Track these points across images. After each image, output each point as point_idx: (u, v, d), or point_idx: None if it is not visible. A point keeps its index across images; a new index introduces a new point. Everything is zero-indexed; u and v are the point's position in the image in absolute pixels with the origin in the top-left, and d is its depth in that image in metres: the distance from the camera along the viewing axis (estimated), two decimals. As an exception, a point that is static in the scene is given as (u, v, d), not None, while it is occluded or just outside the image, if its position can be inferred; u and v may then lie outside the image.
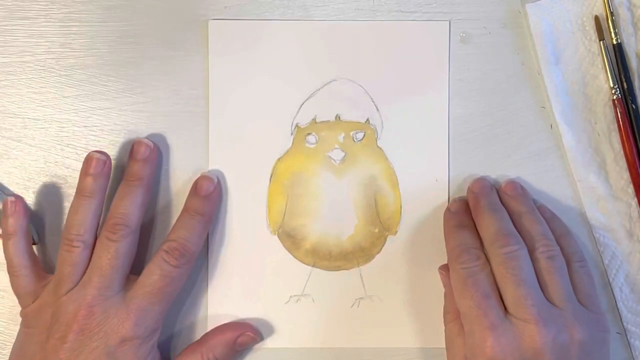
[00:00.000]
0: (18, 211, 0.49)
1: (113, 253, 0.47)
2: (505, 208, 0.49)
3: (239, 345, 0.50)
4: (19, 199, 0.49)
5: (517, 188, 0.50)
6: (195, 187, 0.50)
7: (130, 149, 0.50)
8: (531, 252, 0.46)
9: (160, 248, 0.48)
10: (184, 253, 0.48)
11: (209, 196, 0.50)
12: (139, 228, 0.48)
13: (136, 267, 0.49)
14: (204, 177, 0.50)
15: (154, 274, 0.47)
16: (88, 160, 0.49)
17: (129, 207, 0.48)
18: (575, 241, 0.49)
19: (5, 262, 0.49)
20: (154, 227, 0.51)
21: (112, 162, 0.51)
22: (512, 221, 0.48)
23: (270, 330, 0.51)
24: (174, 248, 0.47)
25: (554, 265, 0.46)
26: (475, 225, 0.49)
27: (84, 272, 0.47)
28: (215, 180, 0.50)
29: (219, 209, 0.51)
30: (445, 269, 0.49)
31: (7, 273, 0.49)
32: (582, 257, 0.49)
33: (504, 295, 0.45)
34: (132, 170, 0.49)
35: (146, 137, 0.51)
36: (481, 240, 0.48)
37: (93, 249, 0.48)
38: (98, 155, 0.49)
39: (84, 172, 0.49)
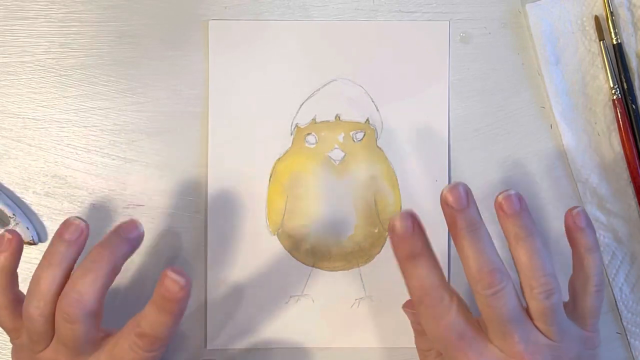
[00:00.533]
0: (13, 249, 0.45)
1: (72, 335, 0.43)
2: (501, 225, 0.44)
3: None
4: (14, 235, 0.45)
5: (515, 204, 0.44)
6: (163, 285, 0.42)
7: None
8: (525, 289, 0.42)
9: (131, 329, 0.43)
10: (154, 342, 0.43)
11: (175, 298, 0.42)
12: (100, 306, 0.43)
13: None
14: (170, 280, 0.42)
15: (127, 353, 0.43)
16: (66, 224, 0.44)
17: (87, 286, 0.43)
18: (600, 259, 0.45)
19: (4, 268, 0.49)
20: (155, 228, 0.51)
21: (113, 161, 0.51)
22: (508, 243, 0.44)
23: (270, 330, 0.51)
24: (144, 335, 0.43)
25: (550, 305, 0.42)
26: (430, 248, 0.43)
27: (53, 333, 0.44)
28: (183, 281, 0.42)
29: (218, 205, 0.51)
30: (410, 306, 0.48)
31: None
32: (601, 280, 0.45)
33: (489, 329, 0.42)
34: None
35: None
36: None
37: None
38: (78, 221, 0.44)
39: (58, 236, 0.44)
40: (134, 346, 0.43)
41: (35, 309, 0.43)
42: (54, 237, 0.44)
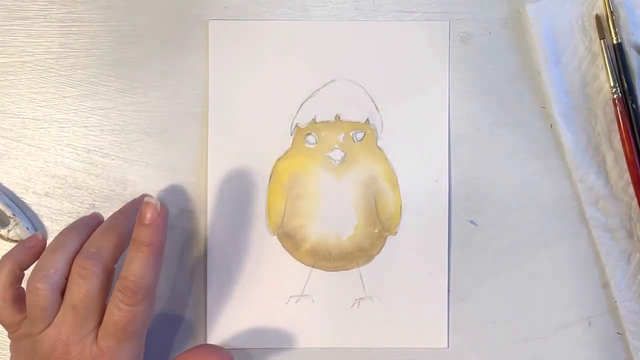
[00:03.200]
0: (34, 250, 0.47)
1: (85, 292, 0.45)
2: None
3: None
4: (43, 239, 0.48)
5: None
6: (139, 216, 0.46)
7: (139, 211, 0.46)
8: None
9: (115, 287, 0.45)
10: (137, 291, 0.44)
11: (153, 224, 0.45)
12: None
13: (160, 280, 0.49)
14: (147, 204, 0.46)
15: (113, 314, 0.45)
16: (147, 205, 0.46)
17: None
18: None
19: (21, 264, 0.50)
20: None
21: (113, 161, 0.51)
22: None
23: (270, 330, 0.51)
24: (125, 287, 0.44)
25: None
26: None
27: (57, 312, 0.45)
28: (158, 206, 0.46)
29: (217, 205, 0.51)
30: None
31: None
32: None
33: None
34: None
35: (155, 200, 0.46)
36: None
37: (61, 289, 0.45)
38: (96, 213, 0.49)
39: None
40: (119, 303, 0.45)
41: (44, 277, 0.45)
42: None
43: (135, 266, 0.45)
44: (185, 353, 0.48)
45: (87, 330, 0.45)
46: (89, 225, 0.48)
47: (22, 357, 0.46)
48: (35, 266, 0.46)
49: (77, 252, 0.46)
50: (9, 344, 0.47)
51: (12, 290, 0.47)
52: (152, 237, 0.45)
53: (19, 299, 0.47)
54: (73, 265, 0.45)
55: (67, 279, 0.45)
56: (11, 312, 0.46)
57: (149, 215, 0.45)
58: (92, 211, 0.51)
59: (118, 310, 0.45)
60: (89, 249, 0.45)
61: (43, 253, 0.46)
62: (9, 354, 0.48)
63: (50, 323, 0.45)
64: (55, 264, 0.45)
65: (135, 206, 0.48)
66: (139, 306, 0.45)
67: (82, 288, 0.44)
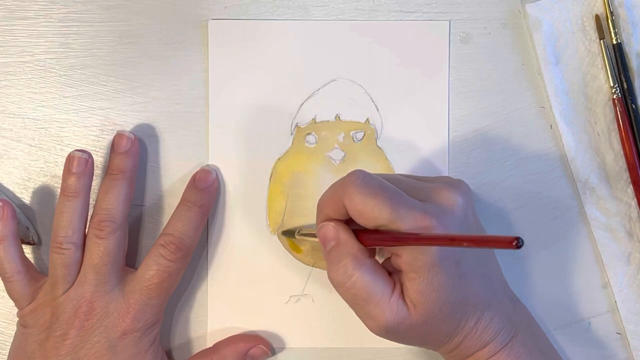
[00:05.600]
0: (6, 216, 0.48)
1: (103, 250, 0.47)
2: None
3: (249, 357, 0.50)
4: (5, 203, 0.48)
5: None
6: (194, 180, 0.50)
7: (112, 141, 0.50)
8: None
9: (157, 242, 0.48)
10: (180, 247, 0.48)
11: (207, 188, 0.50)
12: (125, 221, 0.49)
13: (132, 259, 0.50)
14: (202, 170, 0.50)
15: (150, 268, 0.47)
16: (70, 159, 0.48)
17: (112, 201, 0.48)
18: None
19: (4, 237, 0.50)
20: (155, 228, 0.51)
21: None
22: None
23: (270, 330, 0.51)
24: (169, 242, 0.48)
25: None
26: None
27: (78, 272, 0.47)
28: (214, 174, 0.50)
29: (217, 205, 0.51)
30: None
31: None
32: None
33: None
34: (113, 163, 0.49)
35: (129, 131, 0.51)
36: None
37: (83, 247, 0.48)
38: (80, 154, 0.48)
39: (67, 171, 0.48)
40: (159, 257, 0.47)
41: (64, 238, 0.47)
42: (63, 174, 0.48)
43: (184, 224, 0.48)
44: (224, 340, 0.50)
45: (110, 287, 0.47)
46: (85, 174, 0.48)
47: (35, 332, 0.47)
48: (53, 230, 0.47)
49: (85, 209, 0.48)
50: (8, 346, 0.47)
51: (20, 260, 0.48)
52: (204, 200, 0.49)
53: (30, 267, 0.49)
54: (89, 229, 0.48)
55: (84, 240, 0.48)
56: (25, 282, 0.48)
57: (203, 179, 0.50)
58: (91, 211, 0.51)
59: (156, 265, 0.47)
60: (100, 211, 0.48)
61: (55, 219, 0.48)
62: (7, 355, 0.48)
63: (73, 283, 0.47)
64: (71, 225, 0.47)
65: (129, 155, 0.49)
66: (178, 262, 0.48)
67: (101, 247, 0.47)
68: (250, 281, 0.51)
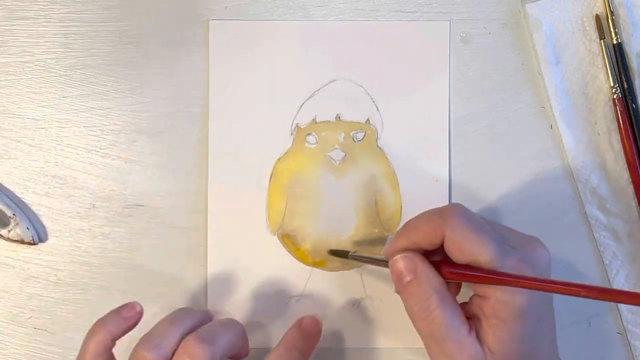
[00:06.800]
0: (130, 323, 0.45)
1: None
2: None
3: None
4: (140, 312, 0.46)
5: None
6: (302, 325, 0.49)
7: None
8: None
9: None
10: None
11: (313, 335, 0.49)
12: None
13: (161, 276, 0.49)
14: (310, 318, 0.50)
15: None
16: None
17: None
18: None
19: (6, 263, 0.50)
20: (155, 228, 0.51)
21: (113, 161, 0.51)
22: None
23: (271, 331, 0.51)
24: None
25: None
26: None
27: None
28: (319, 323, 0.50)
29: (217, 205, 0.51)
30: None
31: (8, 274, 0.50)
32: None
33: None
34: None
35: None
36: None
37: None
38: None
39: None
40: None
41: (156, 347, 0.43)
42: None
43: None
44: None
45: None
46: (207, 314, 0.48)
47: None
48: (148, 334, 0.44)
49: (191, 331, 0.44)
50: (8, 346, 0.47)
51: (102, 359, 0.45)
52: (306, 347, 0.48)
53: None
54: (183, 343, 0.43)
55: (174, 354, 0.43)
56: None
57: (312, 327, 0.49)
58: (91, 211, 0.51)
59: None
60: (204, 332, 0.44)
61: (158, 322, 0.45)
62: (10, 354, 0.48)
63: None
64: (168, 337, 0.44)
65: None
66: None
67: None
68: (251, 281, 0.51)
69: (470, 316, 0.43)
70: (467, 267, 0.42)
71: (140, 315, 0.46)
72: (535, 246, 0.43)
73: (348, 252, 0.49)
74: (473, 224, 0.41)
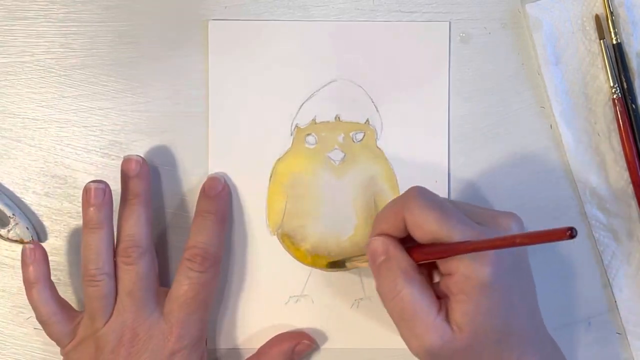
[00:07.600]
0: (38, 259, 0.48)
1: (135, 276, 0.47)
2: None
3: (296, 354, 0.50)
4: (37, 246, 0.48)
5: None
6: (204, 189, 0.50)
7: (121, 167, 0.49)
8: None
9: (183, 257, 0.48)
10: (206, 257, 0.47)
11: (219, 195, 0.50)
12: (151, 243, 0.48)
13: (163, 279, 0.50)
14: (211, 179, 0.50)
15: (182, 284, 0.47)
16: (87, 190, 0.48)
17: (134, 227, 0.47)
18: None
19: (5, 263, 0.50)
20: (155, 228, 0.51)
21: (113, 161, 0.51)
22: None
23: (270, 331, 0.51)
24: (195, 254, 0.47)
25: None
26: None
27: (115, 302, 0.47)
28: (223, 180, 0.50)
29: (230, 208, 0.51)
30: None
31: (8, 274, 0.50)
32: None
33: None
34: (127, 188, 0.49)
35: (136, 155, 0.50)
36: None
37: (115, 277, 0.47)
38: (96, 184, 0.48)
39: (86, 203, 0.48)
40: (188, 272, 0.47)
41: (96, 270, 0.47)
42: (82, 206, 0.48)
43: (203, 235, 0.48)
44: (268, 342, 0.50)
45: (149, 310, 0.47)
46: (104, 204, 0.48)
47: None
48: (83, 265, 0.47)
49: (110, 239, 0.48)
50: (8, 346, 0.47)
51: (55, 301, 0.48)
52: (218, 206, 0.49)
53: (65, 306, 0.48)
54: (117, 259, 0.47)
55: (114, 269, 0.47)
56: (63, 322, 0.47)
57: (213, 187, 0.50)
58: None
59: (187, 279, 0.47)
60: (123, 238, 0.47)
61: (83, 253, 0.47)
62: (9, 354, 0.48)
63: (111, 314, 0.47)
64: (100, 256, 0.47)
65: (140, 178, 0.49)
66: (207, 273, 0.47)
67: (132, 273, 0.47)
68: (250, 281, 0.51)
69: (441, 296, 0.44)
70: (429, 245, 0.43)
71: (41, 249, 0.48)
72: (497, 219, 0.44)
73: (344, 261, 0.50)
74: (429, 202, 0.42)
